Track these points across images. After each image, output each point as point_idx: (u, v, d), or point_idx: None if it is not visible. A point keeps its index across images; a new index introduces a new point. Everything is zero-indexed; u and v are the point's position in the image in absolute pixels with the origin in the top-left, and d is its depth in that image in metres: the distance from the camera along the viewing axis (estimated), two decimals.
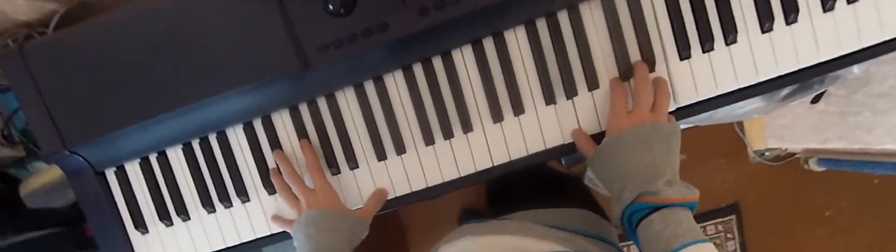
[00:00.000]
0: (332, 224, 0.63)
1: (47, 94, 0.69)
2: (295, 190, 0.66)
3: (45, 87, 0.69)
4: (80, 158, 0.71)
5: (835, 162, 1.14)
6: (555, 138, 0.64)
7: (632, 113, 0.59)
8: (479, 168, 0.66)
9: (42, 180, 0.83)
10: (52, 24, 0.75)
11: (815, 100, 1.02)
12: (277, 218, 0.70)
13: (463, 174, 0.67)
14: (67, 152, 0.70)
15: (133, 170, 0.73)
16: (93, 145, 0.70)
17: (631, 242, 0.58)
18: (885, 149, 0.98)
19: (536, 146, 0.65)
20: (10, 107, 0.88)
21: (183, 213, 0.72)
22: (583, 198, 0.92)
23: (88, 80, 0.68)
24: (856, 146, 1.03)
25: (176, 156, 0.72)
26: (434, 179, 0.67)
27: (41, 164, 0.90)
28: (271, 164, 0.70)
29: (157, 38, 0.66)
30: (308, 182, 0.67)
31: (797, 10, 0.59)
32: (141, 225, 0.73)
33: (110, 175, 0.73)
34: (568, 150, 0.64)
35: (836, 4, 0.59)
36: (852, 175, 1.18)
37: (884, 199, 1.51)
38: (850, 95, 0.96)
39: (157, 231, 0.73)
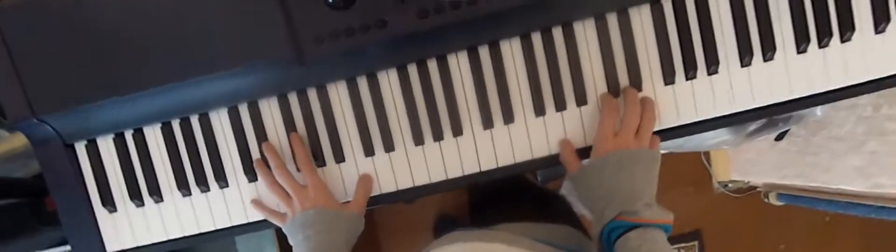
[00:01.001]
0: (330, 225, 0.64)
1: (18, 56, 0.67)
2: (285, 186, 0.67)
3: (16, 48, 0.67)
4: (49, 128, 0.70)
5: (793, 197, 1.20)
6: (541, 149, 0.68)
7: (618, 136, 0.63)
8: (467, 172, 0.68)
9: (2, 148, 0.81)
10: None
11: (779, 137, 1.09)
12: (264, 208, 0.70)
13: (450, 177, 0.69)
14: (35, 120, 0.68)
15: (106, 145, 0.72)
16: (64, 115, 0.68)
17: None
18: (839, 188, 1.04)
19: (523, 155, 0.68)
20: None
21: (156, 193, 0.72)
22: (567, 215, 0.95)
23: (67, 47, 0.66)
24: (812, 184, 1.09)
25: (153, 134, 0.72)
26: (420, 179, 0.69)
27: (1, 132, 0.88)
28: (255, 151, 0.70)
29: (148, 11, 0.65)
30: (297, 176, 0.68)
31: (774, 49, 0.64)
32: (109, 203, 0.72)
33: (80, 148, 0.72)
34: (554, 161, 0.67)
35: (809, 48, 0.65)
36: (808, 211, 1.24)
37: (833, 236, 1.58)
38: (810, 137, 1.03)
39: (126, 210, 0.73)
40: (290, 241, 0.66)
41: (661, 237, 0.58)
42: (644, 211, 0.58)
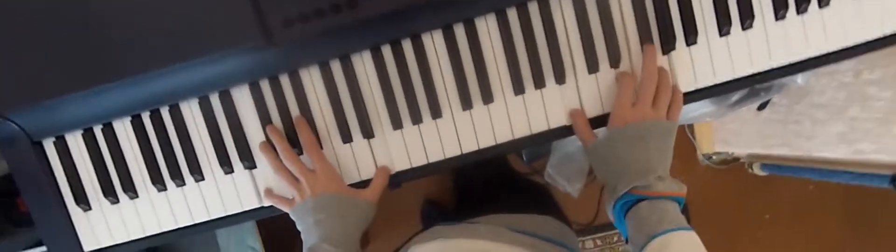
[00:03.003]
0: (343, 210, 0.64)
1: None
2: (294, 170, 0.67)
3: None
4: (14, 125, 0.69)
5: (776, 167, 1.24)
6: (522, 129, 0.68)
7: (635, 106, 0.64)
8: (448, 155, 0.69)
9: None
10: None
11: (761, 107, 1.11)
12: (273, 195, 0.70)
13: (431, 160, 0.69)
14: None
15: (75, 141, 0.71)
16: (29, 112, 0.68)
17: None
18: (822, 156, 1.08)
19: (504, 136, 0.68)
20: None
21: (130, 190, 0.71)
22: (549, 204, 0.98)
23: (27, 39, 0.65)
24: (796, 153, 1.12)
25: (123, 128, 0.71)
26: (401, 164, 0.69)
27: None
28: (229, 141, 0.70)
29: None
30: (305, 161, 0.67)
31: (752, 17, 0.65)
32: (83, 201, 0.71)
33: (49, 145, 0.71)
34: (534, 141, 0.68)
35: (787, 14, 0.65)
36: (792, 180, 1.28)
37: (817, 204, 1.64)
38: (793, 105, 1.05)
39: (101, 208, 0.72)
40: (299, 226, 0.66)
41: (673, 207, 0.59)
42: (657, 184, 0.59)
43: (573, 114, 0.67)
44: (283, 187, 0.69)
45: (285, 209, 0.68)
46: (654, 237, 0.55)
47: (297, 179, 0.67)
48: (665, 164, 0.63)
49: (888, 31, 0.66)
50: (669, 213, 0.58)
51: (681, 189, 0.60)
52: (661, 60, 0.67)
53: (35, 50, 0.65)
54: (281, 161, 0.67)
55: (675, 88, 0.66)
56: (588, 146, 0.66)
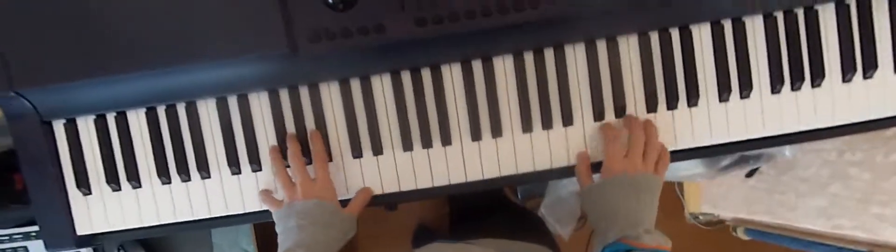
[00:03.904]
0: (327, 219, 0.67)
1: (5, 25, 0.68)
2: (295, 173, 0.70)
3: (4, 18, 0.67)
4: (27, 102, 0.71)
5: (760, 233, 1.26)
6: (526, 165, 0.72)
7: (628, 158, 0.69)
8: (453, 181, 0.73)
9: None
10: None
11: (749, 174, 1.16)
12: (266, 194, 0.73)
13: (435, 185, 0.73)
14: (13, 93, 0.69)
15: (85, 125, 0.74)
16: (44, 91, 0.69)
17: None
18: (803, 227, 1.11)
19: (508, 169, 0.72)
20: None
21: (134, 179, 0.74)
22: (543, 233, 1.02)
23: (60, 21, 0.67)
24: (778, 221, 1.16)
25: (137, 119, 0.74)
26: (407, 185, 0.73)
27: None
28: (240, 143, 0.73)
29: None
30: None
31: (751, 88, 0.71)
32: (84, 185, 0.74)
33: (58, 126, 0.74)
34: (537, 177, 0.72)
35: (783, 89, 0.72)
36: (773, 247, 1.30)
37: None
38: (779, 176, 1.11)
39: (102, 194, 0.74)
40: (278, 228, 0.68)
41: None
42: (644, 236, 0.64)
43: (580, 156, 0.72)
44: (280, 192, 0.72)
45: (272, 209, 0.71)
46: None
47: (292, 184, 0.70)
48: (651, 218, 0.68)
49: (871, 117, 0.71)
50: None
51: (666, 243, 0.65)
52: (664, 116, 0.72)
53: (68, 32, 0.67)
54: (283, 165, 0.71)
55: (661, 146, 0.72)
56: (583, 188, 0.71)
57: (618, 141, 0.70)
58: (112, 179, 0.74)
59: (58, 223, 0.74)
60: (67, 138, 0.74)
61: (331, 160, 0.73)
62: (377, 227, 1.69)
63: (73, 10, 0.68)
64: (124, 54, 0.68)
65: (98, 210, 0.74)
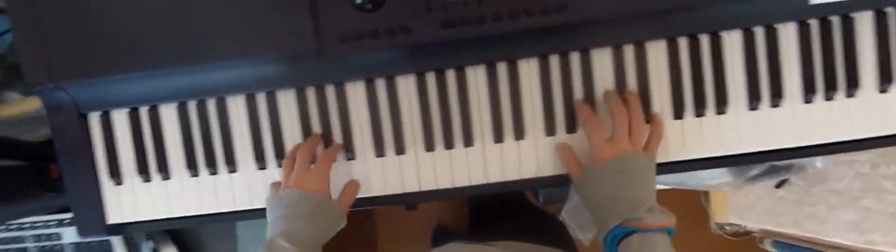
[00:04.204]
0: (314, 210, 0.67)
1: (47, 22, 0.70)
2: (298, 160, 0.70)
3: (46, 14, 0.70)
4: (65, 95, 0.73)
5: (788, 246, 1.23)
6: (548, 168, 0.72)
7: (613, 141, 0.66)
8: (473, 182, 0.73)
9: (13, 111, 0.85)
10: None
11: (779, 185, 1.13)
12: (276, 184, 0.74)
13: (456, 185, 0.73)
14: (53, 86, 0.72)
15: (120, 118, 0.76)
16: (83, 84, 0.72)
17: None
18: (833, 241, 1.08)
19: (529, 172, 0.72)
20: None
21: (163, 170, 0.76)
22: (564, 239, 1.00)
23: (97, 18, 0.70)
24: (807, 234, 1.12)
25: (168, 113, 0.76)
26: (427, 185, 0.73)
27: (13, 95, 0.92)
28: (267, 139, 0.75)
29: None
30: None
31: (782, 96, 0.69)
32: (116, 175, 0.76)
33: (93, 119, 0.76)
34: (558, 181, 0.72)
35: (815, 99, 0.70)
36: None
37: None
38: (809, 188, 1.08)
39: (133, 184, 0.77)
40: (268, 217, 0.69)
41: (663, 240, 0.62)
42: (647, 216, 0.62)
43: (561, 147, 0.70)
44: None
45: (270, 192, 0.72)
46: None
47: (292, 171, 0.70)
48: (651, 195, 0.65)
49: None
50: (657, 247, 0.61)
51: (670, 220, 0.63)
52: (692, 124, 0.70)
53: (106, 28, 0.70)
54: (294, 157, 0.71)
55: (656, 121, 0.69)
56: (575, 180, 0.69)
57: (598, 126, 0.67)
58: (143, 170, 0.76)
59: (90, 211, 0.76)
60: (102, 130, 0.76)
61: (353, 158, 0.74)
62: (397, 227, 1.71)
63: (114, 9, 0.70)
64: (160, 51, 0.70)
65: (129, 200, 0.77)
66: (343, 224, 0.70)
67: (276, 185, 0.73)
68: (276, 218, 0.67)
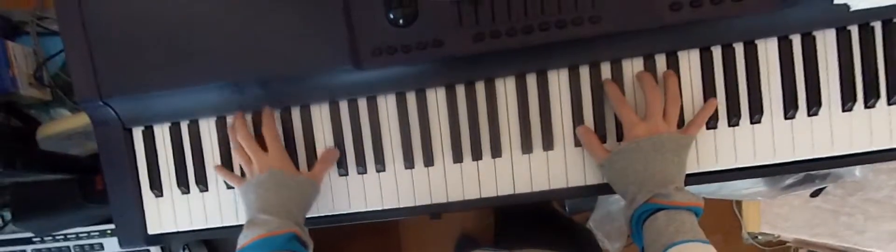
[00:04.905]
0: (280, 181, 0.67)
1: (96, 40, 0.73)
2: (247, 149, 0.71)
3: (95, 36, 0.73)
4: (111, 111, 0.75)
5: None
6: (577, 179, 0.70)
7: (647, 120, 0.64)
8: (500, 193, 0.72)
9: (63, 126, 0.87)
10: None
11: (815, 194, 1.09)
12: (225, 172, 0.75)
13: (482, 196, 0.72)
14: (100, 103, 0.74)
15: (161, 132, 0.78)
16: (127, 101, 0.74)
17: None
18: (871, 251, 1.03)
19: (558, 183, 0.71)
20: (49, 51, 0.95)
21: (202, 183, 0.77)
22: (590, 247, 0.97)
23: (141, 38, 0.72)
24: (844, 244, 1.08)
25: (208, 127, 0.77)
26: (455, 196, 0.72)
27: (63, 111, 0.96)
28: (300, 150, 0.75)
29: (219, 11, 0.71)
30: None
31: (819, 105, 0.67)
32: (157, 187, 0.78)
33: (137, 133, 0.78)
34: (587, 191, 0.70)
35: (855, 107, 0.67)
36: None
37: None
38: (847, 197, 1.03)
39: (172, 196, 0.78)
40: (242, 204, 0.69)
41: (691, 219, 0.59)
42: (675, 194, 0.59)
43: (581, 130, 0.69)
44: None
45: (235, 184, 0.73)
46: (669, 247, 0.55)
47: (250, 161, 0.71)
48: (681, 176, 0.63)
49: None
50: (686, 224, 0.57)
51: (699, 200, 0.60)
52: (725, 133, 0.68)
53: (149, 46, 0.72)
54: (239, 145, 0.72)
55: (709, 102, 0.67)
56: (602, 161, 0.66)
57: (628, 105, 0.65)
58: (182, 183, 0.77)
59: (131, 222, 0.77)
60: (144, 144, 0.78)
61: (382, 170, 0.73)
62: (422, 235, 1.70)
63: (158, 27, 0.72)
64: (202, 68, 0.71)
65: (168, 211, 0.78)
66: (317, 193, 0.70)
67: (222, 169, 0.74)
68: (250, 201, 0.67)
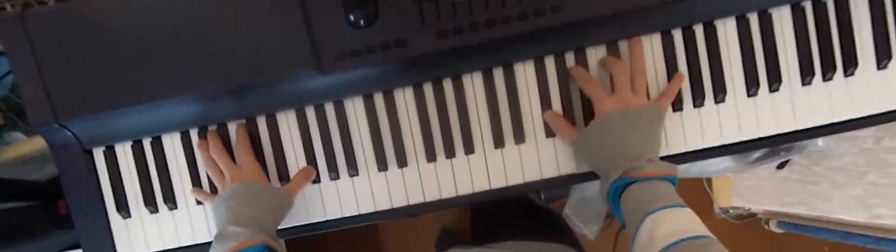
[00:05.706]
0: (253, 194, 0.65)
1: (45, 62, 0.69)
2: (220, 163, 0.69)
3: (43, 54, 0.69)
4: (69, 133, 0.72)
5: (793, 225, 1.22)
6: (551, 170, 0.69)
7: (616, 95, 0.63)
8: (476, 190, 0.70)
9: (18, 151, 0.83)
10: None
11: (781, 166, 1.11)
12: (198, 190, 0.72)
13: (459, 194, 0.70)
14: (57, 125, 0.70)
15: (123, 151, 0.74)
16: (85, 121, 0.70)
17: None
18: (839, 218, 1.06)
19: (533, 175, 0.69)
20: None
21: (170, 201, 0.73)
22: (564, 233, 0.96)
23: (92, 55, 0.68)
24: (813, 213, 1.11)
25: (171, 143, 0.73)
26: (432, 195, 0.70)
27: (17, 135, 0.90)
28: (270, 161, 0.72)
29: (175, 22, 0.67)
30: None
31: (780, 81, 0.67)
32: (123, 208, 0.74)
33: (98, 154, 0.74)
34: (563, 182, 0.69)
35: (814, 81, 0.67)
36: (808, 239, 1.25)
37: None
38: (812, 166, 1.05)
39: (141, 216, 0.74)
40: (214, 218, 0.66)
41: (665, 186, 0.57)
42: (647, 166, 0.57)
43: (548, 115, 0.67)
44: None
45: (208, 203, 0.70)
46: (646, 216, 0.53)
47: (223, 176, 0.68)
48: (655, 148, 0.61)
49: None
50: (660, 192, 0.56)
51: (672, 168, 0.59)
52: (691, 115, 0.68)
53: (100, 65, 0.68)
54: (210, 159, 0.70)
55: (676, 76, 0.65)
56: (574, 140, 0.65)
57: (596, 83, 0.64)
58: (149, 202, 0.73)
59: (100, 246, 0.73)
60: (107, 164, 0.74)
61: (356, 175, 0.71)
62: (402, 234, 1.68)
63: (111, 42, 0.68)
64: (161, 82, 0.68)
65: (137, 232, 0.74)
66: (291, 206, 0.67)
67: (198, 190, 0.72)
68: (221, 214, 0.64)
